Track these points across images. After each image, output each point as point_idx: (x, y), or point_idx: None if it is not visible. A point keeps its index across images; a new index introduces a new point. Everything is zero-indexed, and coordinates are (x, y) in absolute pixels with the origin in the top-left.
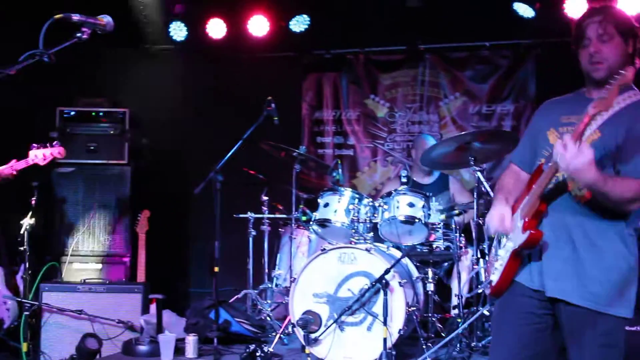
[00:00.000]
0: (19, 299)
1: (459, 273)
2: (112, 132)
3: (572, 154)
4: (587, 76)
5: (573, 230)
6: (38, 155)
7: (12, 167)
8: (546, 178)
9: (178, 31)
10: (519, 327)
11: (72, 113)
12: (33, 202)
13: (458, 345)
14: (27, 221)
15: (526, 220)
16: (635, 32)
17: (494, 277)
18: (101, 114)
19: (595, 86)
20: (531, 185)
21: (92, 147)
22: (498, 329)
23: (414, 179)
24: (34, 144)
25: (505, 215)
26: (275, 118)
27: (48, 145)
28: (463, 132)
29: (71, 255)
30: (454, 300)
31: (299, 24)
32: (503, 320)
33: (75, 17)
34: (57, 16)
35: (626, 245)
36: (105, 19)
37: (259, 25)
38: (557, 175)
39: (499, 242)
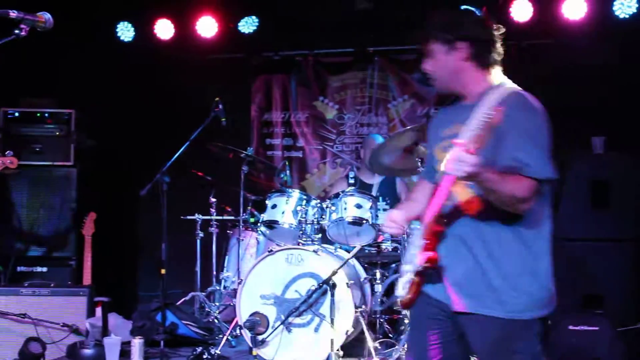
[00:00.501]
0: None
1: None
2: (57, 133)
3: (457, 156)
4: None
5: (472, 244)
6: None
7: None
8: (440, 198)
9: (125, 31)
10: (427, 333)
11: (17, 114)
12: None
13: (405, 346)
14: None
15: (424, 242)
16: (462, 40)
17: (403, 293)
18: (46, 114)
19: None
20: (429, 204)
21: (37, 149)
22: (410, 334)
23: (363, 179)
24: None
25: (394, 217)
26: (223, 119)
27: (1, 155)
28: (408, 127)
29: (16, 259)
30: None
31: (248, 25)
32: (414, 325)
33: (13, 13)
34: None
35: (527, 247)
36: (45, 16)
37: (207, 26)
38: (452, 191)
39: (408, 252)
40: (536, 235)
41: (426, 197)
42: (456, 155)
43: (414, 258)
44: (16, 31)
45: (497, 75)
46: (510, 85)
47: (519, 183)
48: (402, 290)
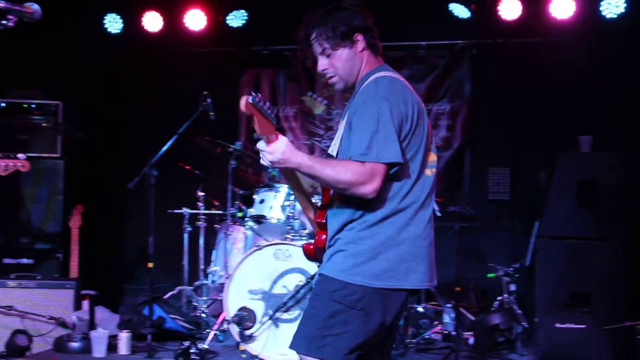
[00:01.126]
0: None
1: None
2: (44, 124)
3: (268, 152)
4: None
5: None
6: (1, 165)
7: None
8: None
9: (113, 23)
10: None
11: (3, 104)
12: None
13: None
14: None
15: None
16: (352, 28)
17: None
18: (33, 106)
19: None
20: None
21: (23, 139)
22: None
23: None
24: None
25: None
26: (212, 113)
27: (11, 155)
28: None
29: (1, 250)
30: None
31: (237, 19)
32: None
33: (1, 4)
34: None
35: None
36: (33, 7)
37: (195, 20)
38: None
39: None
40: (362, 223)
41: None
42: (276, 157)
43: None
44: (3, 22)
45: (381, 63)
46: (378, 73)
47: (344, 168)
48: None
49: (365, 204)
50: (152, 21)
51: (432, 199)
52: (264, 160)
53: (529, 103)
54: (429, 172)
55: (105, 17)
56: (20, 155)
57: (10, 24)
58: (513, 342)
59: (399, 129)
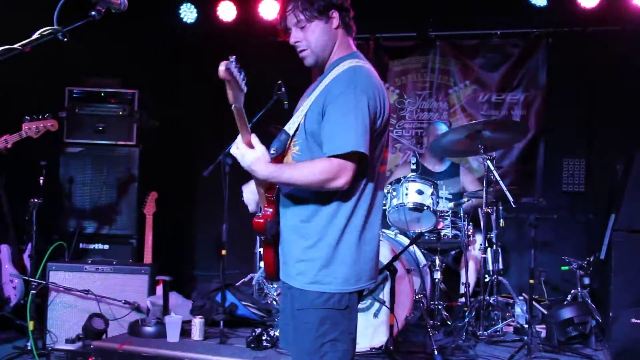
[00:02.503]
0: (26, 278)
1: (466, 262)
2: (120, 112)
3: (242, 152)
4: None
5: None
6: (31, 128)
7: (6, 140)
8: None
9: (188, 13)
10: None
11: (81, 93)
12: (41, 181)
13: (464, 334)
14: (35, 200)
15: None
16: (332, 5)
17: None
18: (110, 94)
19: (319, 70)
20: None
21: (100, 128)
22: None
23: (426, 166)
24: (27, 117)
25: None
26: (285, 102)
27: (41, 117)
28: (473, 122)
29: (78, 236)
30: (462, 289)
31: None
32: (283, 309)
33: None
34: None
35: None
36: None
37: (269, 9)
38: None
39: None
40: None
41: None
42: (245, 163)
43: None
44: (92, 13)
45: (353, 49)
46: (353, 59)
47: (310, 169)
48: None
49: (327, 197)
50: (227, 11)
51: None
52: (241, 162)
53: (606, 93)
54: (384, 168)
55: (180, 7)
56: (47, 115)
57: (99, 15)
58: (587, 336)
59: (372, 124)
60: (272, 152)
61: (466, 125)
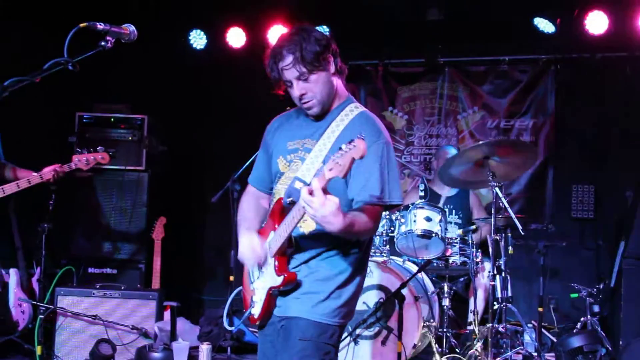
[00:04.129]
0: (34, 302)
1: (475, 289)
2: (130, 138)
3: (319, 203)
4: (304, 111)
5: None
6: (81, 160)
7: (56, 170)
8: (294, 221)
9: (198, 39)
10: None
11: (91, 119)
12: (50, 205)
13: None
14: (45, 225)
15: (277, 262)
16: (328, 52)
17: (255, 311)
18: (120, 119)
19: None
20: (275, 219)
21: (110, 153)
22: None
23: (436, 190)
24: (78, 149)
25: (254, 244)
26: None
27: (92, 150)
28: (482, 142)
29: (87, 260)
30: (470, 317)
31: None
32: (265, 353)
33: (100, 26)
34: (82, 25)
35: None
36: (130, 28)
37: (278, 35)
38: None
39: (251, 273)
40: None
41: (258, 209)
42: (323, 213)
43: (269, 276)
44: (102, 43)
45: (347, 92)
46: (355, 103)
47: (366, 217)
48: (254, 308)
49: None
50: (236, 37)
51: None
52: (308, 209)
53: (615, 119)
54: None
55: (190, 33)
56: (99, 148)
57: (109, 45)
58: None
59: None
60: (288, 200)
61: (476, 146)
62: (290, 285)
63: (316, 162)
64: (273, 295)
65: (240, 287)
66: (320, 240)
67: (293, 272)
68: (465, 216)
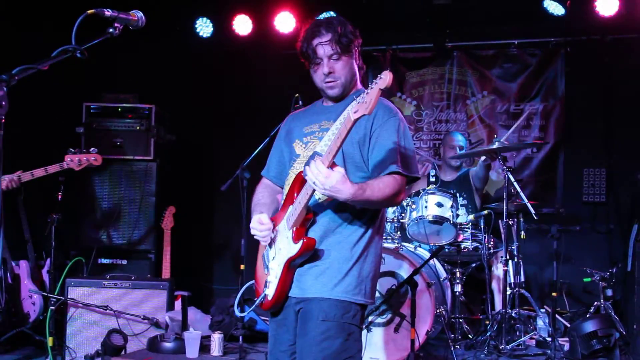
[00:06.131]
0: (45, 294)
1: (490, 281)
2: (138, 127)
3: (323, 176)
4: (323, 93)
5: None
6: (74, 160)
7: (46, 169)
8: (310, 189)
9: (204, 27)
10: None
11: (99, 109)
12: (59, 197)
13: (486, 348)
14: (54, 216)
15: (294, 229)
16: (356, 45)
17: (270, 291)
18: (127, 109)
19: (332, 100)
20: (292, 195)
21: (118, 143)
22: (274, 347)
23: (442, 177)
24: (71, 149)
25: (262, 219)
26: None
27: (85, 150)
28: (487, 148)
29: (97, 251)
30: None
31: None
32: (279, 339)
33: (108, 12)
34: (90, 11)
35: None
36: (138, 14)
37: (285, 22)
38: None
39: (267, 255)
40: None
41: (273, 199)
42: (330, 184)
43: (286, 248)
44: (110, 30)
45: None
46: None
47: (384, 185)
48: (269, 289)
49: (360, 213)
50: (242, 24)
51: None
52: (315, 185)
53: (626, 101)
54: None
55: (196, 22)
56: (92, 150)
57: (117, 32)
58: (611, 349)
59: None
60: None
61: (481, 151)
62: (309, 252)
63: (333, 137)
64: (291, 268)
65: (253, 281)
66: (336, 213)
67: (312, 237)
68: (469, 197)
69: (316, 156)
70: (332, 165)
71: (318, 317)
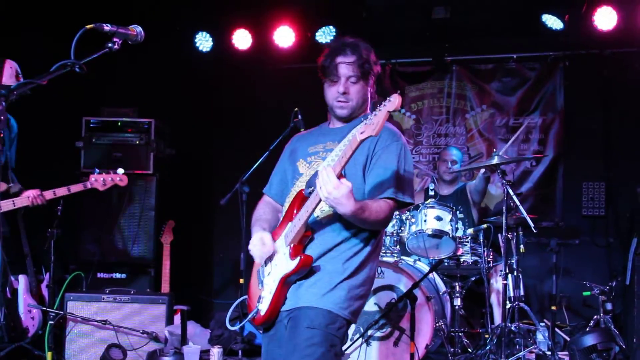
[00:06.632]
0: (44, 308)
1: (489, 294)
2: (137, 142)
3: (332, 186)
4: (331, 111)
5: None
6: (98, 180)
7: (69, 189)
8: (311, 206)
9: (204, 42)
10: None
11: (98, 123)
12: (59, 211)
13: None
14: (53, 231)
15: (292, 246)
16: (375, 73)
17: (263, 306)
18: (127, 123)
19: (340, 120)
20: (292, 212)
21: (117, 157)
22: None
23: (439, 192)
24: (97, 169)
25: (265, 238)
26: (302, 129)
27: (110, 171)
28: (486, 164)
29: (96, 265)
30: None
31: (325, 35)
32: (270, 354)
33: (107, 27)
34: (89, 26)
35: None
36: (137, 29)
37: (284, 36)
38: (322, 204)
39: (262, 271)
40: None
41: (274, 216)
42: (336, 195)
43: (282, 264)
44: (109, 44)
45: None
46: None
47: (379, 208)
48: (262, 304)
49: (357, 233)
50: (242, 39)
51: None
52: (321, 191)
53: (624, 115)
54: None
55: (196, 36)
56: (119, 170)
57: (116, 46)
58: None
59: None
60: (309, 190)
61: (480, 166)
62: (305, 269)
63: (338, 155)
64: (286, 284)
65: (246, 296)
66: (334, 232)
67: (309, 254)
68: (466, 211)
69: (328, 165)
70: (340, 177)
71: (304, 324)
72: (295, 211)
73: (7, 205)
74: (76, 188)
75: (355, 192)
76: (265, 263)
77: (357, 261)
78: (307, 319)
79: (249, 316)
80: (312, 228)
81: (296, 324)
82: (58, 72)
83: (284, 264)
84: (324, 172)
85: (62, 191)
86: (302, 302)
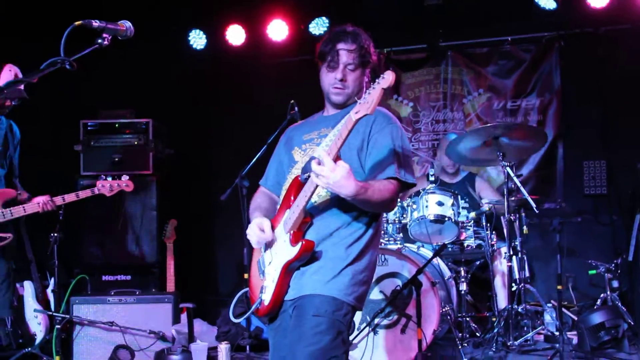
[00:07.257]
0: (50, 313)
1: (493, 276)
2: (136, 142)
3: (329, 169)
4: (327, 97)
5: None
6: (105, 186)
7: (78, 195)
8: (309, 191)
9: (197, 39)
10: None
11: (96, 126)
12: (60, 215)
13: (494, 345)
14: (56, 235)
15: (292, 233)
16: (372, 64)
17: (266, 296)
18: (125, 125)
19: (334, 107)
20: (289, 199)
21: (116, 159)
22: (273, 354)
23: (442, 179)
24: (103, 175)
25: (264, 224)
26: (299, 121)
27: (117, 177)
28: (489, 124)
29: (100, 268)
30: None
31: (319, 26)
32: (277, 345)
33: (95, 23)
34: (77, 23)
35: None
36: (126, 25)
37: (278, 30)
38: (319, 189)
39: (262, 261)
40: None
41: (272, 205)
42: (335, 179)
43: (283, 251)
44: (99, 40)
45: None
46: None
47: (384, 188)
48: (265, 294)
49: (357, 217)
50: (236, 35)
51: None
52: (319, 178)
53: (622, 92)
54: None
55: (189, 34)
56: (124, 176)
57: (106, 42)
58: (620, 340)
59: None
60: (305, 176)
61: (482, 128)
62: (307, 255)
63: (333, 141)
64: (289, 271)
65: (247, 289)
66: (333, 216)
67: (310, 240)
68: (471, 201)
69: (322, 149)
70: (336, 159)
71: (309, 312)
72: (292, 198)
73: (18, 211)
74: (84, 194)
75: (354, 174)
76: (265, 252)
77: (360, 246)
78: (312, 306)
79: (253, 307)
80: (310, 214)
81: (302, 312)
82: (48, 69)
83: (285, 251)
84: (316, 160)
85: (70, 197)
86: (307, 290)
